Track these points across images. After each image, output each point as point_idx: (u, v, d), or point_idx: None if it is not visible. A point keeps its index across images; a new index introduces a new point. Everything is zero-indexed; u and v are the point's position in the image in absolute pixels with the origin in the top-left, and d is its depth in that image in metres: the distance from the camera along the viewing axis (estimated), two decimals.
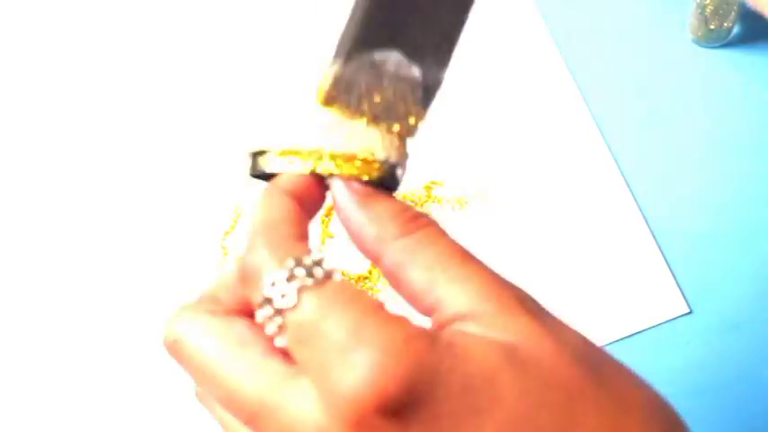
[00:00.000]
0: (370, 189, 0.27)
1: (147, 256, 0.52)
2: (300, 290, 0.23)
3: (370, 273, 0.50)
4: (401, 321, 0.23)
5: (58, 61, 0.60)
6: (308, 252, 0.25)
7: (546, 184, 0.54)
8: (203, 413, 0.48)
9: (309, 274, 0.24)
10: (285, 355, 0.24)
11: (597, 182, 0.53)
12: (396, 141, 0.27)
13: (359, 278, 0.50)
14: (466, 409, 0.22)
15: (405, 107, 0.27)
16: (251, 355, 0.25)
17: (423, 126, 0.28)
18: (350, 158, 0.27)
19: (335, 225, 0.52)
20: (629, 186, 0.53)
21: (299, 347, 0.23)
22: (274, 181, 0.28)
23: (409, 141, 0.28)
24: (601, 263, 0.51)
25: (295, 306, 0.23)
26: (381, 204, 0.27)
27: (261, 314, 0.24)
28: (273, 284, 0.24)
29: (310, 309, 0.23)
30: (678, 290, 0.50)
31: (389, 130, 0.27)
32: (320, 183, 0.28)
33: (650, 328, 0.49)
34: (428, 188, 0.53)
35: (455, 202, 0.53)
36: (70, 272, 0.52)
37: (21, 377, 0.49)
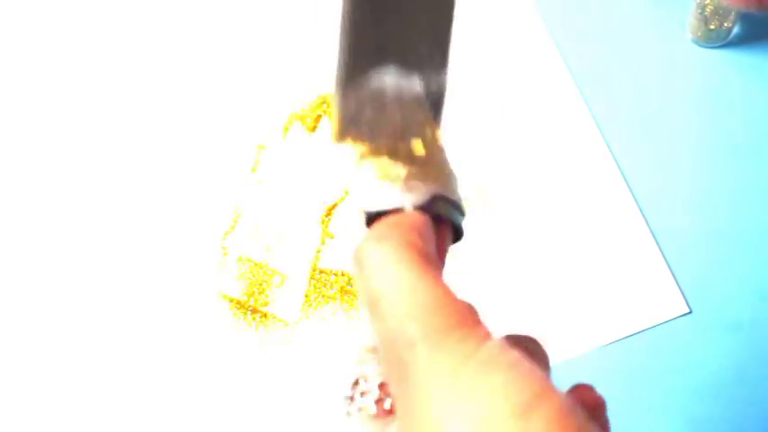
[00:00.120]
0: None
1: (147, 255, 0.52)
2: None
3: None
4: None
5: (58, 62, 0.60)
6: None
7: (546, 184, 0.54)
8: (203, 413, 0.48)
9: None
10: None
11: (597, 182, 0.53)
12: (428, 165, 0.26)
13: None
14: None
15: (418, 121, 0.26)
16: None
17: (442, 134, 0.27)
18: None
19: (335, 225, 0.52)
20: (629, 186, 0.53)
21: None
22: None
23: (441, 151, 0.27)
24: (601, 263, 0.51)
25: None
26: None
27: None
28: None
29: None
30: (678, 290, 0.50)
31: (411, 154, 0.26)
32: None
33: (650, 328, 0.49)
34: None
35: None
36: (70, 272, 0.52)
37: (20, 377, 0.49)
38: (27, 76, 0.60)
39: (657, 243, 0.51)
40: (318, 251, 0.51)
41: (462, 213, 0.28)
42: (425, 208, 0.26)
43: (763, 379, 0.47)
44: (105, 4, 0.62)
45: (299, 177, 0.54)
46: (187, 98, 0.58)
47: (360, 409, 0.24)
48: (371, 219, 0.26)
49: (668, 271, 0.50)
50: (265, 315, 0.50)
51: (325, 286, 0.50)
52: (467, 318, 0.23)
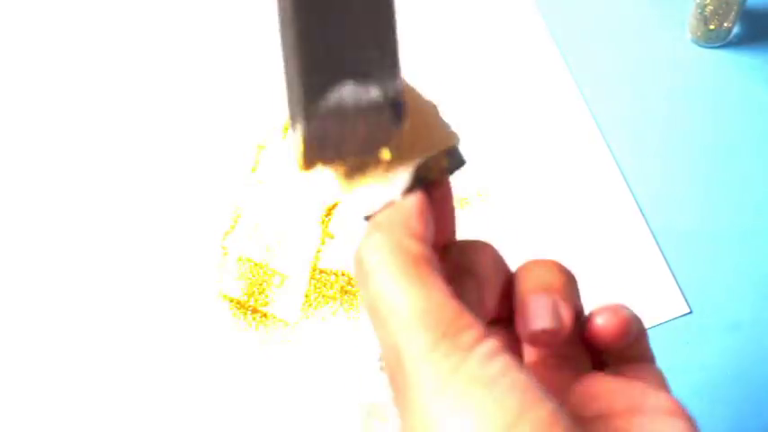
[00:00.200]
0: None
1: (147, 255, 0.52)
2: None
3: None
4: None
5: (58, 62, 0.60)
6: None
7: (546, 183, 0.54)
8: (203, 413, 0.48)
9: None
10: None
11: (597, 182, 0.53)
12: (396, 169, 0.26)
13: None
14: None
15: (382, 129, 0.26)
16: None
17: (408, 139, 0.26)
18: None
19: (335, 225, 0.52)
20: (629, 186, 0.53)
21: None
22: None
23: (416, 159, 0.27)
24: (601, 263, 0.51)
25: None
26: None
27: None
28: None
29: None
30: (678, 290, 0.50)
31: (378, 163, 0.26)
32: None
33: (650, 328, 0.49)
34: None
35: (455, 202, 0.53)
36: (70, 272, 0.52)
37: (21, 377, 0.49)
38: (27, 76, 0.60)
39: (657, 243, 0.51)
40: (318, 251, 0.51)
41: (455, 150, 0.28)
42: (414, 186, 0.26)
43: (763, 379, 0.47)
44: (105, 5, 0.62)
45: (299, 177, 0.54)
46: (187, 98, 0.58)
47: None
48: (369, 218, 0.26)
49: (668, 271, 0.50)
50: (265, 315, 0.50)
51: (325, 286, 0.50)
52: (455, 326, 0.23)
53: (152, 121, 0.57)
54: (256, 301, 0.50)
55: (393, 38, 0.25)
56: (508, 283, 0.29)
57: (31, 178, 0.56)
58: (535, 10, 0.60)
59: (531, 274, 0.29)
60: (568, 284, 0.29)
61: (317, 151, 0.25)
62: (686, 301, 0.49)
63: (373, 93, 0.25)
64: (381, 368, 0.25)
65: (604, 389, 0.27)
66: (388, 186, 0.26)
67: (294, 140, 0.25)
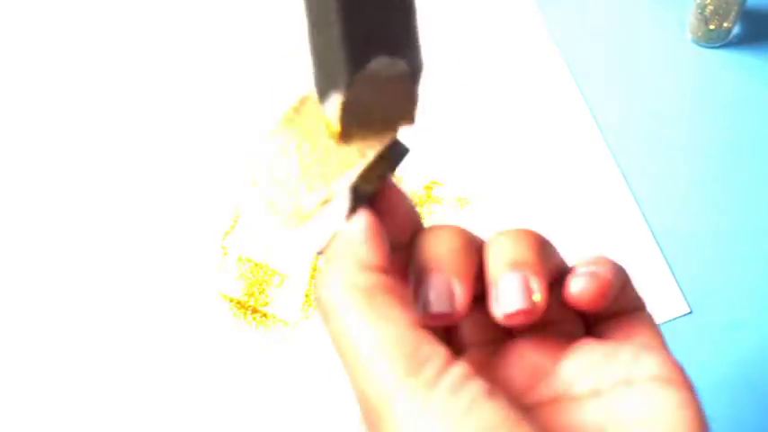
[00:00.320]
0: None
1: (147, 255, 0.52)
2: None
3: None
4: None
5: (58, 62, 0.60)
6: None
7: (546, 183, 0.54)
8: (203, 413, 0.48)
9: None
10: None
11: (597, 182, 0.53)
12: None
13: None
14: None
15: (402, 104, 0.27)
16: None
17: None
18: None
19: None
20: (629, 186, 0.53)
21: None
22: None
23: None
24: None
25: None
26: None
27: None
28: None
29: None
30: (678, 290, 0.50)
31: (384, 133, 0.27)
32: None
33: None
34: (428, 188, 0.53)
35: (455, 202, 0.53)
36: (70, 272, 0.52)
37: (20, 377, 0.49)
38: (26, 76, 0.60)
39: (657, 243, 0.51)
40: (400, 144, 0.51)
41: (395, 144, 0.27)
42: (356, 204, 0.26)
43: (763, 378, 0.47)
44: (105, 5, 0.62)
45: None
46: (187, 99, 0.58)
47: None
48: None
49: (668, 271, 0.50)
50: (265, 315, 0.50)
51: None
52: (416, 359, 0.23)
53: (152, 122, 0.57)
54: (256, 301, 0.50)
55: (415, 17, 0.26)
56: (481, 260, 0.28)
57: (30, 179, 0.56)
58: (536, 9, 0.60)
59: (498, 250, 0.27)
60: (540, 252, 0.27)
61: (353, 119, 0.26)
62: (686, 301, 0.49)
63: (402, 66, 0.26)
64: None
65: (594, 360, 0.27)
66: (331, 216, 0.26)
67: (330, 111, 0.26)
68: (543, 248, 0.28)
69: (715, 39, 0.57)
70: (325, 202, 0.26)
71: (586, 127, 0.55)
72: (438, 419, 0.22)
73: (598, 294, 0.27)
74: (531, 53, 0.58)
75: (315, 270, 0.51)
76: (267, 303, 0.50)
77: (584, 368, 0.27)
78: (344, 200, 0.26)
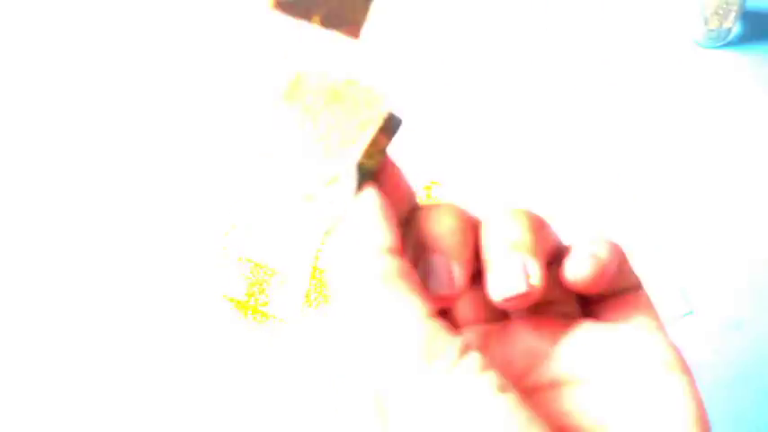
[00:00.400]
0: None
1: (147, 256, 0.52)
2: None
3: None
4: None
5: (59, 63, 0.60)
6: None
7: (546, 183, 0.54)
8: (203, 413, 0.48)
9: None
10: None
11: (597, 182, 0.53)
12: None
13: None
14: None
15: (350, 13, 0.26)
16: None
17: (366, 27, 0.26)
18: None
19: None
20: (629, 186, 0.53)
21: None
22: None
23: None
24: None
25: None
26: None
27: None
28: None
29: None
30: (678, 290, 0.50)
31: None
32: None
33: None
34: (428, 188, 0.53)
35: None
36: (70, 272, 0.52)
37: (21, 377, 0.49)
38: (27, 76, 0.60)
39: (657, 243, 0.51)
40: (318, 251, 0.51)
41: (391, 118, 0.26)
42: (363, 182, 0.25)
43: (763, 379, 0.47)
44: (105, 5, 0.62)
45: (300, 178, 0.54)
46: (187, 99, 0.58)
47: None
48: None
49: (668, 271, 0.50)
50: (265, 315, 0.50)
51: (325, 286, 0.50)
52: (432, 349, 0.23)
53: (152, 122, 0.57)
54: (256, 301, 0.50)
55: None
56: (478, 241, 0.27)
57: (31, 179, 0.56)
58: (537, 7, 0.60)
59: (495, 231, 0.27)
60: (538, 233, 0.27)
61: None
62: (686, 301, 0.49)
63: None
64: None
65: (593, 342, 0.26)
66: (338, 194, 0.26)
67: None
68: (541, 229, 0.27)
69: (715, 39, 0.57)
70: (332, 180, 0.26)
71: (586, 125, 0.55)
72: (453, 406, 0.22)
73: (596, 276, 0.27)
74: (531, 51, 0.58)
75: (315, 270, 0.51)
76: (267, 303, 0.50)
77: (583, 351, 0.26)
78: (350, 178, 0.25)
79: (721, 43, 0.57)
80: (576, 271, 0.27)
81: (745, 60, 0.57)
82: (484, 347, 0.27)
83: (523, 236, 0.26)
